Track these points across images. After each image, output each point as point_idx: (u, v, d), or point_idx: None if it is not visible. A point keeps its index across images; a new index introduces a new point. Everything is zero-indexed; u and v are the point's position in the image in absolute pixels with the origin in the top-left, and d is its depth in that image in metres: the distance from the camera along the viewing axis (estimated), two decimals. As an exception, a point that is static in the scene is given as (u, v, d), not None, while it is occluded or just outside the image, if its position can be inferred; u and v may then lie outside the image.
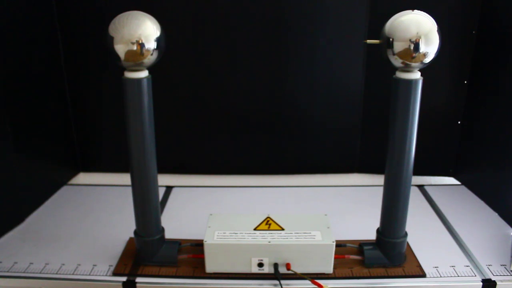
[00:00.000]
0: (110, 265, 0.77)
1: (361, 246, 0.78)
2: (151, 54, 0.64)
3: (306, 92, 1.04)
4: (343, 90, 1.04)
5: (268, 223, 0.77)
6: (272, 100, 1.05)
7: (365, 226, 0.84)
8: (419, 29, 0.63)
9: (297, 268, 0.72)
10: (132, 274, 0.75)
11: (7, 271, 0.76)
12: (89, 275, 0.75)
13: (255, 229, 0.75)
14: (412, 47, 0.63)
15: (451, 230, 0.89)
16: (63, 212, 0.96)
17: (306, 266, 0.73)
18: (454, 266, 0.77)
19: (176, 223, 0.89)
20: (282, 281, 0.71)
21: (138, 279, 0.74)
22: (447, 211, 0.97)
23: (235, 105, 1.05)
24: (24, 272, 0.75)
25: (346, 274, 0.75)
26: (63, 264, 0.78)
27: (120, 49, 0.62)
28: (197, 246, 0.77)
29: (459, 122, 1.04)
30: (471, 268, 0.77)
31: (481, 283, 0.73)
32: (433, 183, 1.11)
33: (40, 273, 0.75)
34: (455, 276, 0.75)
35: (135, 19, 0.63)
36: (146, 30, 0.63)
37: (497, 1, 0.91)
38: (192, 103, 1.05)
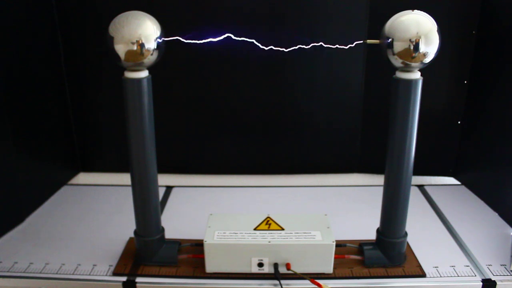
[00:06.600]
0: (110, 265, 0.77)
1: (361, 246, 0.78)
2: (151, 54, 0.64)
3: (306, 92, 1.04)
4: (343, 90, 1.04)
5: (268, 223, 0.77)
6: (272, 100, 1.05)
7: (365, 226, 0.84)
8: (419, 29, 0.63)
9: (297, 268, 0.72)
10: (132, 274, 0.75)
11: (7, 271, 0.76)
12: (89, 275, 0.75)
13: (255, 229, 0.75)
14: (412, 47, 0.63)
15: (451, 230, 0.89)
16: (63, 212, 0.96)
17: (306, 266, 0.73)
18: (454, 266, 0.77)
19: (176, 223, 0.89)
20: (282, 281, 0.71)
21: (138, 279, 0.74)
22: (447, 211, 0.97)
23: (235, 105, 1.05)
24: (24, 272, 0.75)
25: (346, 274, 0.75)
26: (63, 264, 0.78)
27: (120, 49, 0.63)
28: (197, 246, 0.77)
29: (459, 122, 1.04)
30: (471, 268, 0.77)
31: (481, 283, 0.73)
32: (433, 183, 1.11)
33: (40, 273, 0.75)
34: (455, 276, 0.75)
35: (135, 19, 0.63)
36: (146, 30, 0.63)
37: (497, 1, 0.91)
38: (192, 103, 1.05)
